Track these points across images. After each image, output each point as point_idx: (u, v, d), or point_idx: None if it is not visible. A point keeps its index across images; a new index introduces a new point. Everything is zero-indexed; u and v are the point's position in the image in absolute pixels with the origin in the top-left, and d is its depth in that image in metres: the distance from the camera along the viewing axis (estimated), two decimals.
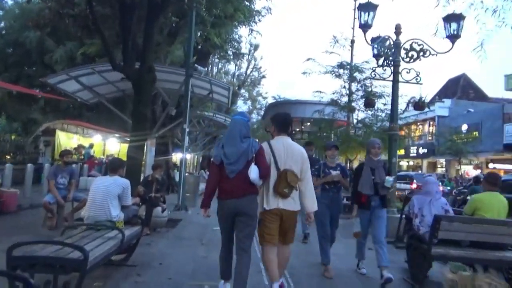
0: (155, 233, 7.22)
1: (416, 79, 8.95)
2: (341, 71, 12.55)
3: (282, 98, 20.77)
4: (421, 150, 32.64)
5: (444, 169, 31.82)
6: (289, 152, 3.84)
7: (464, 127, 27.86)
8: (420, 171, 36.28)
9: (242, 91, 32.72)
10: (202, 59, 15.11)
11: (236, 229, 3.67)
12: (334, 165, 5.59)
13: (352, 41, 14.12)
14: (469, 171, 30.12)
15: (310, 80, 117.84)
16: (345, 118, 13.49)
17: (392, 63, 9.02)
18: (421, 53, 8.80)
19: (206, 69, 10.44)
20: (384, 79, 9.07)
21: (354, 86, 12.37)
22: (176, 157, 21.06)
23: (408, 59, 8.85)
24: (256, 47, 29.53)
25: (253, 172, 3.55)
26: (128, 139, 10.20)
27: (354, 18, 14.76)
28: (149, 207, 7.03)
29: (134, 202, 5.24)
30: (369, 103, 9.59)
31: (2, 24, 22.05)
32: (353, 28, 14.59)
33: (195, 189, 11.79)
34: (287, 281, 4.69)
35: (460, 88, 33.34)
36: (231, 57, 17.10)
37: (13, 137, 18.97)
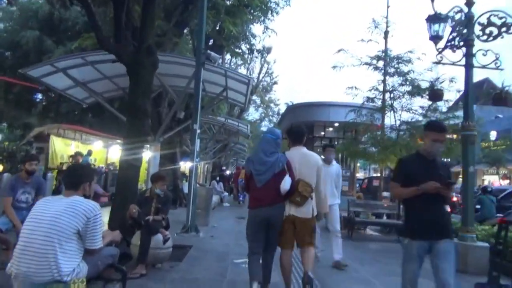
0: (154, 271, 5.02)
1: (496, 63, 6.75)
2: (380, 63, 10.36)
3: (295, 105, 18.87)
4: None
5: None
6: (304, 161, 4.01)
7: (493, 134, 25.43)
8: None
9: (254, 97, 30.57)
10: None
11: (268, 235, 3.90)
12: None
13: (386, 32, 11.92)
14: (496, 181, 27.58)
15: (331, 83, 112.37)
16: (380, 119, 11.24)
17: (462, 43, 6.86)
18: (504, 28, 6.65)
19: (221, 57, 8.35)
20: (454, 63, 6.86)
21: (395, 80, 10.16)
22: (185, 166, 18.96)
23: (485, 37, 6.69)
24: (269, 50, 27.49)
25: (287, 183, 3.77)
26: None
27: (388, 6, 12.60)
28: (145, 236, 4.85)
29: (111, 241, 3.04)
30: (436, 95, 7.35)
31: (1, 25, 20.30)
32: (386, 17, 12.39)
33: (207, 204, 9.58)
34: None
35: (484, 93, 30.88)
36: (246, 53, 15.05)
37: (6, 143, 16.98)
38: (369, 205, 9.24)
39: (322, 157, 5.52)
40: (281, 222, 3.85)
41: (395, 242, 8.76)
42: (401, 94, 10.18)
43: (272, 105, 34.27)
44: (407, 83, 9.88)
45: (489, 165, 21.07)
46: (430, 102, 9.92)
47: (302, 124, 18.14)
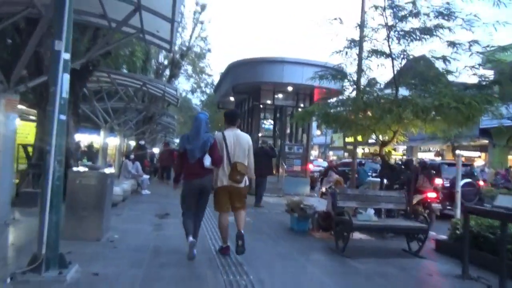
0: None
1: None
2: None
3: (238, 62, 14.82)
4: (382, 137, 28.28)
5: (405, 156, 28.10)
6: (237, 141, 4.73)
7: None
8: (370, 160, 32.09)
9: (184, 64, 25.55)
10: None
11: (199, 200, 4.73)
12: None
13: None
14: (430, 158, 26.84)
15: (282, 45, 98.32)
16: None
17: None
18: None
19: None
20: None
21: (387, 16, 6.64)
22: (90, 140, 14.19)
23: None
24: (203, 7, 22.80)
25: (207, 160, 4.56)
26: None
27: None
28: None
29: None
30: None
31: None
32: None
33: (101, 200, 5.29)
34: None
35: (419, 70, 29.57)
36: None
37: None
38: (368, 198, 5.71)
39: None
40: (209, 189, 4.72)
41: (405, 256, 5.42)
42: (403, 33, 6.72)
43: (205, 76, 29.45)
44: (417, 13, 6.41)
45: (444, 141, 19.26)
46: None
47: (246, 86, 14.22)
